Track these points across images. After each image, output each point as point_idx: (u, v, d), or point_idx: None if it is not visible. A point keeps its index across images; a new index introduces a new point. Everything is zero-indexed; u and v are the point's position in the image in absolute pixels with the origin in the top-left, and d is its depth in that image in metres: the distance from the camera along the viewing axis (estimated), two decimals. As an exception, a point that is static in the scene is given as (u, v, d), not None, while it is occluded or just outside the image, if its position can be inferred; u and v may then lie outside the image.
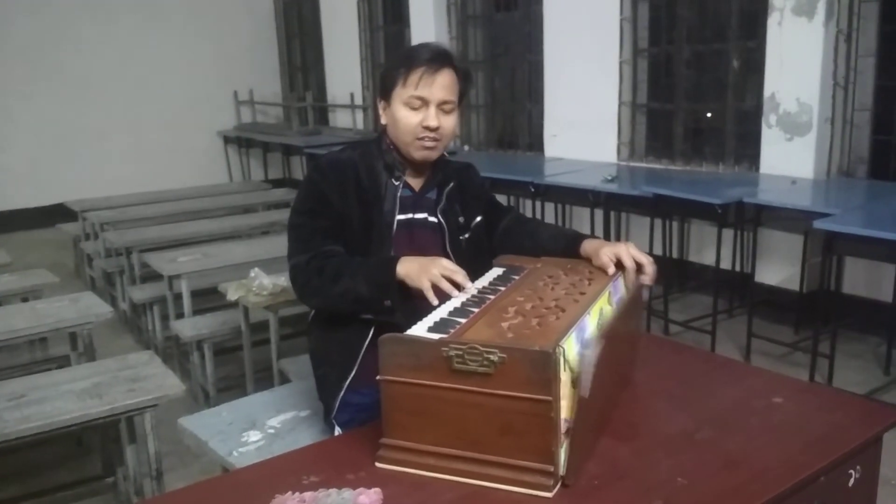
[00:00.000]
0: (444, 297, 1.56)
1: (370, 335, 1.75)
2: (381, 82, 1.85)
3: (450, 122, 1.81)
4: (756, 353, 3.92)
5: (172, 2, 8.39)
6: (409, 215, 1.86)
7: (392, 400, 1.33)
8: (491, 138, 6.83)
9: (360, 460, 1.38)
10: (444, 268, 1.58)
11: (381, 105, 1.85)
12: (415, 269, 1.60)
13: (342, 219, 1.79)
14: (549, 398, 1.21)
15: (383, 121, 1.85)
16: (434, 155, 1.84)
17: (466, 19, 6.75)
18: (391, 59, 1.89)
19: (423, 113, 1.77)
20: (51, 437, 2.20)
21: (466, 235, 1.93)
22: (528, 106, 6.32)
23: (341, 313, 1.78)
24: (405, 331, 1.40)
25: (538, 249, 1.87)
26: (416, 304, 1.58)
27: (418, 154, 1.81)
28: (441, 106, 1.77)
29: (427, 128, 1.77)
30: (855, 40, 4.11)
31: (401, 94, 1.77)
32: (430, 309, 1.52)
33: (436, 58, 1.77)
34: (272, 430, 2.01)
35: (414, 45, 1.91)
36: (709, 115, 5.04)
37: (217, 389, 3.54)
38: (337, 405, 1.81)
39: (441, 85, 1.76)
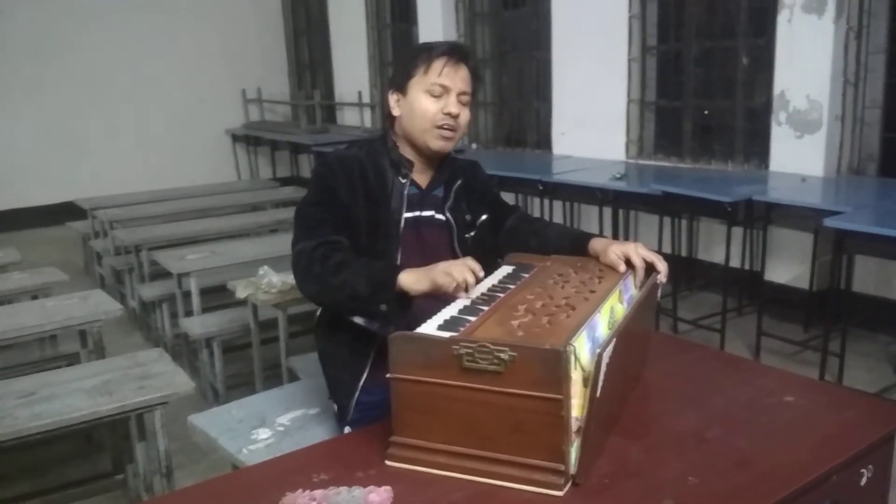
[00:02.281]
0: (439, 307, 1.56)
1: (376, 336, 1.74)
2: (397, 73, 1.86)
3: (466, 115, 1.83)
4: (765, 352, 3.90)
5: (181, 0, 8.40)
6: (416, 213, 1.86)
7: (402, 398, 1.33)
8: (499, 136, 6.82)
9: (371, 458, 1.38)
10: (452, 263, 1.57)
11: (393, 97, 1.85)
12: (424, 273, 1.57)
13: (349, 214, 1.79)
14: (560, 397, 1.20)
15: (396, 112, 1.85)
16: (449, 146, 1.84)
17: (474, 17, 6.74)
18: (407, 51, 1.90)
19: (444, 100, 1.79)
20: (61, 434, 2.20)
21: (472, 234, 1.93)
22: (536, 103, 6.31)
23: (337, 309, 1.77)
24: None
25: (545, 248, 1.86)
26: (411, 319, 1.55)
27: (435, 144, 1.81)
28: (459, 96, 1.80)
29: (448, 114, 1.78)
30: (865, 37, 4.08)
31: (422, 81, 1.79)
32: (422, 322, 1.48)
33: (457, 50, 1.82)
34: (282, 428, 2.01)
35: (429, 41, 1.92)
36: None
37: (226, 387, 3.54)
38: (353, 407, 1.81)
39: (461, 77, 1.80)
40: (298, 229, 1.81)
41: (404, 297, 1.59)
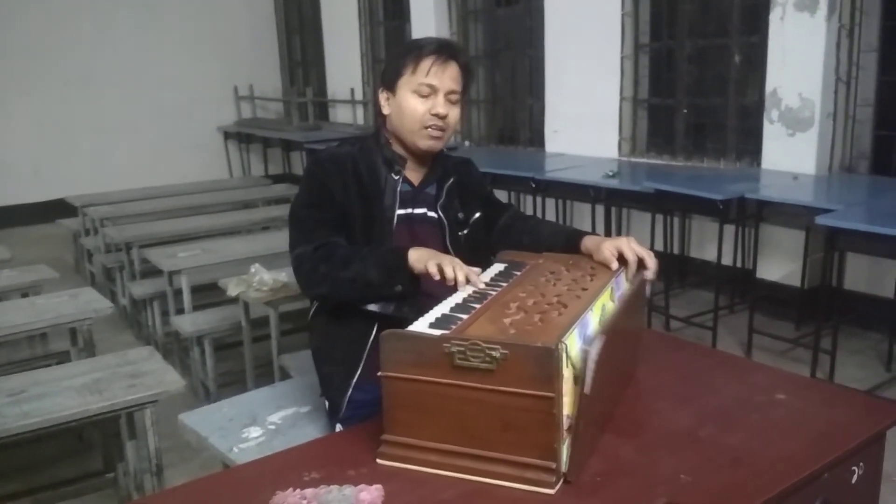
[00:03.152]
0: (447, 289, 1.56)
1: (374, 333, 1.74)
2: (387, 71, 1.85)
3: (455, 113, 1.82)
4: (757, 349, 3.91)
5: (172, -3, 8.39)
6: (409, 210, 1.86)
7: (393, 396, 1.32)
8: (492, 134, 6.82)
9: (362, 457, 1.38)
10: (454, 262, 1.58)
11: (383, 95, 1.84)
12: (425, 255, 1.61)
13: (344, 212, 1.78)
14: (552, 395, 1.20)
15: (386, 111, 1.84)
16: (439, 145, 1.84)
17: (467, 14, 6.73)
18: (397, 49, 1.88)
19: (432, 101, 1.77)
20: (51, 432, 2.19)
21: (465, 231, 1.92)
22: (529, 101, 6.31)
23: (347, 302, 1.77)
24: (408, 326, 1.39)
25: (538, 246, 1.86)
26: (424, 295, 1.58)
27: (424, 143, 1.81)
28: (448, 95, 1.79)
29: (436, 115, 1.77)
30: (857, 35, 4.09)
31: (409, 81, 1.77)
32: (438, 301, 1.51)
33: (446, 49, 1.80)
34: (273, 426, 2.01)
35: (419, 37, 1.91)
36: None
37: (217, 385, 3.53)
38: (345, 404, 1.81)
39: (450, 75, 1.78)
40: (295, 232, 1.80)
41: (414, 275, 1.62)
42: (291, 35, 9.34)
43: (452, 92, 1.79)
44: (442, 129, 1.80)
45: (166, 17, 8.35)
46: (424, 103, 1.77)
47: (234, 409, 2.11)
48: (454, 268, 1.55)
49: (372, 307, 1.75)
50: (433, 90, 1.77)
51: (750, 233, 4.42)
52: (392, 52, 2.00)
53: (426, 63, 1.76)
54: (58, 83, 7.85)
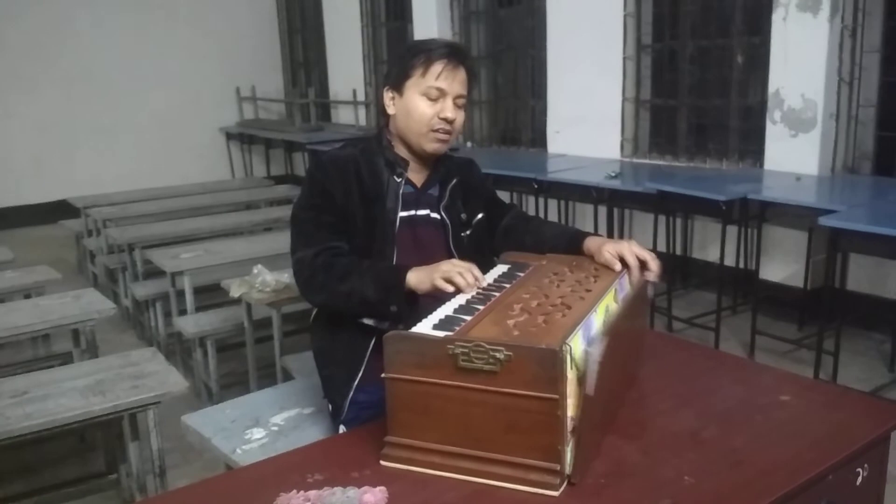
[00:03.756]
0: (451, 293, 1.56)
1: (375, 335, 1.74)
2: (393, 72, 1.84)
3: (461, 117, 1.82)
4: (760, 350, 3.91)
5: (174, -2, 8.39)
6: (412, 212, 1.85)
7: (397, 398, 1.32)
8: (494, 134, 6.82)
9: (365, 458, 1.38)
10: (454, 264, 1.58)
11: (388, 95, 1.84)
12: (424, 275, 1.60)
13: (346, 215, 1.78)
14: (556, 396, 1.20)
15: (391, 111, 1.84)
16: (445, 148, 1.84)
17: (469, 15, 6.73)
18: (403, 49, 1.88)
19: (441, 104, 1.77)
20: (54, 433, 2.19)
21: (468, 232, 1.92)
22: (531, 102, 6.31)
23: (343, 314, 1.77)
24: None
25: (540, 247, 1.86)
26: (421, 316, 1.57)
27: (430, 146, 1.81)
28: (456, 99, 1.79)
29: (444, 119, 1.77)
30: (860, 36, 4.09)
31: (418, 84, 1.77)
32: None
33: (456, 53, 1.79)
34: (276, 428, 2.01)
35: (427, 38, 1.90)
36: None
37: (220, 386, 3.53)
38: (347, 406, 1.80)
39: (459, 80, 1.79)
40: (296, 236, 1.80)
41: (412, 296, 1.61)
42: (293, 36, 9.34)
43: (460, 96, 1.79)
44: (449, 133, 1.80)
45: (168, 17, 8.36)
46: (433, 106, 1.77)
47: (237, 410, 2.11)
48: (461, 272, 1.54)
49: (367, 321, 1.75)
50: (442, 94, 1.77)
51: (752, 234, 4.41)
52: (398, 53, 1.98)
53: (437, 67, 1.75)
54: (60, 84, 7.86)
